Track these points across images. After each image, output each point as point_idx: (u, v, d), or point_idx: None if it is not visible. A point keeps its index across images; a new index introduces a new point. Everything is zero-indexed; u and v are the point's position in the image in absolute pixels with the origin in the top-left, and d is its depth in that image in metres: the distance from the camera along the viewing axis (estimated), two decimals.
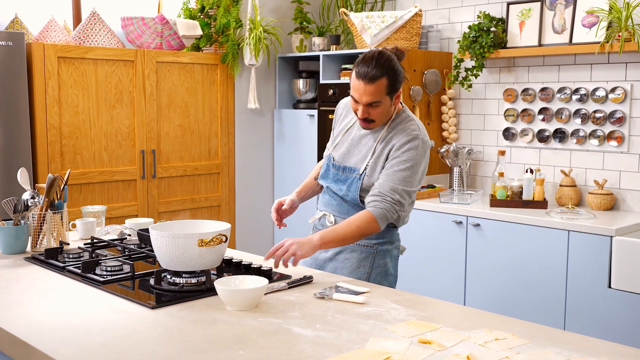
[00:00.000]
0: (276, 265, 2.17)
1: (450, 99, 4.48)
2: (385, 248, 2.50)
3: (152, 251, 2.32)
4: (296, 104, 4.97)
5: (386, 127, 2.43)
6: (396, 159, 2.35)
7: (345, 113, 2.62)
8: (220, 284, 1.88)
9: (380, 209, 2.30)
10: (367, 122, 2.39)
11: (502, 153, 3.98)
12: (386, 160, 2.38)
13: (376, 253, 2.49)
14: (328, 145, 2.66)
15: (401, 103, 2.50)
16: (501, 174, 3.91)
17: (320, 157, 4.65)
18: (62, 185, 2.66)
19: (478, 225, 3.74)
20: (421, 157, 2.37)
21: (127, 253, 2.42)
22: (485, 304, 3.71)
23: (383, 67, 2.31)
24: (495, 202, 3.83)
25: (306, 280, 2.14)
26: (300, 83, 4.87)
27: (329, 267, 2.52)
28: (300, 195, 2.74)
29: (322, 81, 4.65)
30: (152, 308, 1.87)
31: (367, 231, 2.30)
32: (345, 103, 2.65)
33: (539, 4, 4.02)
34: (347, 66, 4.57)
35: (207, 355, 1.53)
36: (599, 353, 1.58)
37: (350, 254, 2.49)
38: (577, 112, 3.93)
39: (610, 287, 3.24)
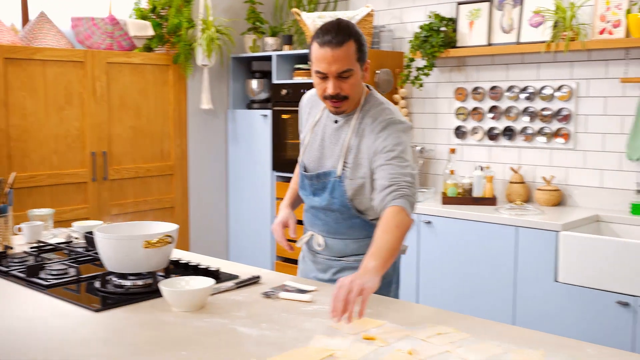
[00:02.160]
0: (349, 320, 1.70)
1: (402, 97, 4.52)
2: None
3: (99, 254, 2.30)
4: (250, 104, 4.97)
5: (356, 116, 2.18)
6: (384, 152, 2.08)
7: (309, 110, 2.36)
8: (165, 285, 1.87)
9: (401, 197, 1.99)
10: (339, 100, 2.12)
11: (453, 151, 4.04)
12: (373, 156, 2.11)
13: None
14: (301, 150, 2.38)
15: (369, 86, 2.26)
16: (452, 172, 3.96)
17: (275, 158, 4.66)
18: (7, 189, 2.61)
19: (430, 222, 3.79)
20: (405, 138, 2.12)
21: (73, 256, 2.39)
22: (438, 300, 3.76)
23: (348, 30, 2.08)
24: (446, 200, 3.88)
25: (254, 280, 2.14)
26: (254, 83, 4.87)
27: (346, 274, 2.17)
28: (292, 206, 2.40)
29: (275, 81, 4.66)
30: (97, 311, 1.85)
31: (406, 227, 1.96)
32: (308, 98, 2.39)
33: (487, 4, 4.09)
34: (300, 66, 4.58)
35: (150, 357, 1.52)
36: (537, 345, 1.62)
37: (359, 256, 2.18)
38: (525, 110, 4.01)
39: (557, 280, 3.32)
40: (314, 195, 2.25)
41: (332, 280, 2.23)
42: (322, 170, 2.21)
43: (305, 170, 2.28)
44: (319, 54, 2.06)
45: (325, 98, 2.13)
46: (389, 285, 2.25)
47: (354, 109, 2.19)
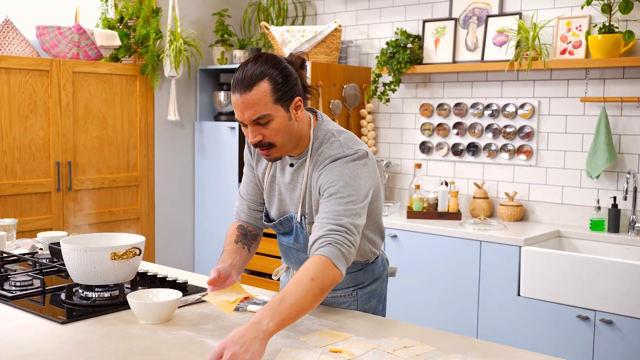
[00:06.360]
0: None
1: (369, 112, 4.57)
2: (368, 290, 2.11)
3: (65, 265, 2.28)
4: (217, 116, 4.97)
5: (309, 156, 1.93)
6: (323, 190, 1.86)
7: (257, 155, 2.11)
8: (132, 298, 1.86)
9: (329, 244, 1.73)
10: (264, 148, 1.86)
11: (419, 166, 4.09)
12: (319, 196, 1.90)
13: (357, 300, 2.09)
14: (242, 187, 2.16)
15: (318, 114, 2.00)
16: (417, 187, 4.01)
17: (242, 170, 4.66)
18: None
19: (395, 236, 3.83)
20: (350, 167, 1.85)
21: (38, 267, 2.37)
22: (404, 313, 3.79)
23: (261, 68, 1.80)
24: (411, 214, 3.93)
25: None
26: (222, 95, 4.87)
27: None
28: (233, 265, 2.03)
29: None
30: (62, 323, 1.84)
31: (327, 281, 1.70)
32: None
33: (452, 22, 4.16)
34: None
35: None
36: (500, 358, 1.65)
37: (336, 292, 2.08)
38: (489, 126, 4.09)
39: (519, 295, 3.38)
40: (283, 236, 2.10)
41: None
42: (284, 216, 2.03)
43: (268, 220, 2.10)
44: (232, 99, 1.82)
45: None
46: (377, 302, 2.15)
47: (303, 150, 1.95)
